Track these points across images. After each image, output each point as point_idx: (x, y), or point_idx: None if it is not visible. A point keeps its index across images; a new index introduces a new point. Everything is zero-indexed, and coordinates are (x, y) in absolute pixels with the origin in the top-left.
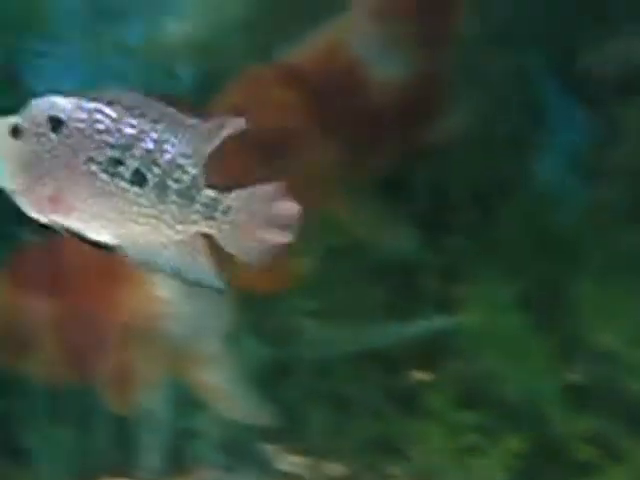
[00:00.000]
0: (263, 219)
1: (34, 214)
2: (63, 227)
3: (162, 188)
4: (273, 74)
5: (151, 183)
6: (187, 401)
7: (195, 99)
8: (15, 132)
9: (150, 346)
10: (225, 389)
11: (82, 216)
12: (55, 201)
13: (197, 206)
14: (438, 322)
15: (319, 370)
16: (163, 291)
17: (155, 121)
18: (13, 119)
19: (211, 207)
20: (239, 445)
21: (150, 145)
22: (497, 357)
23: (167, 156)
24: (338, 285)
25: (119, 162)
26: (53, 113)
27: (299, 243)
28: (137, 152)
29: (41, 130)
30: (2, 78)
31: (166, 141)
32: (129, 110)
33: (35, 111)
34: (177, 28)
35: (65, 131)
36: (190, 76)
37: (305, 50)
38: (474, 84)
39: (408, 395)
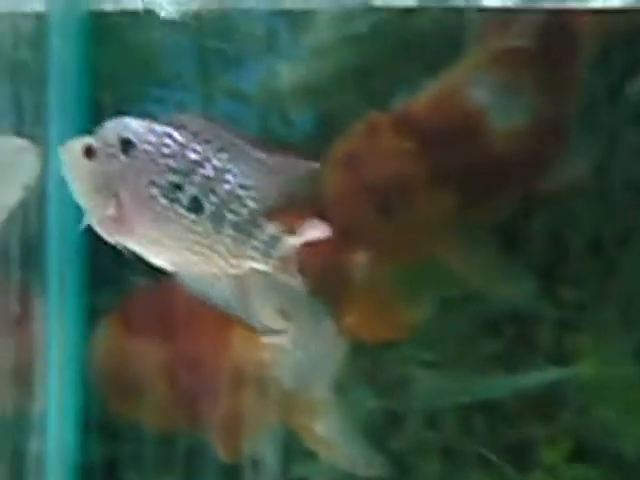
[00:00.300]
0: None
1: (101, 233)
2: (126, 249)
3: (218, 218)
4: (390, 122)
5: (207, 212)
6: (296, 450)
7: (310, 146)
8: (88, 152)
9: (260, 393)
10: (335, 439)
11: (141, 240)
12: (118, 222)
13: (254, 242)
14: (553, 374)
15: (430, 421)
16: (273, 339)
17: (220, 149)
18: (88, 140)
19: (270, 245)
20: None
21: (210, 172)
22: (613, 410)
23: (226, 186)
24: (451, 335)
25: (178, 187)
26: (125, 135)
27: (413, 292)
28: (196, 178)
29: (112, 151)
30: None
31: (227, 171)
32: (196, 136)
33: (108, 132)
34: (292, 73)
35: (134, 153)
36: (305, 123)
37: (422, 98)
38: (594, 131)
39: (520, 448)
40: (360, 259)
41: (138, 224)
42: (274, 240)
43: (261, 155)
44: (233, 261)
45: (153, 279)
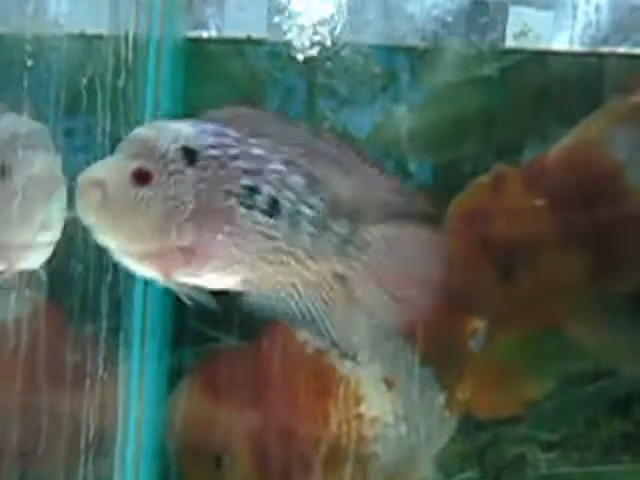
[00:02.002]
0: (406, 267)
1: (158, 277)
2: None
3: (295, 215)
4: (519, 177)
5: (285, 211)
6: None
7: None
8: (142, 178)
9: (358, 471)
10: None
11: (217, 264)
12: (190, 254)
13: (331, 236)
14: None
15: None
16: (375, 410)
17: (281, 141)
18: (130, 162)
19: (346, 239)
20: None
21: (279, 166)
22: None
23: (298, 178)
24: (575, 415)
25: (254, 190)
26: (184, 143)
27: (534, 365)
28: (268, 175)
29: (175, 167)
30: None
31: (294, 162)
32: (252, 130)
33: (160, 145)
34: (410, 117)
35: (201, 163)
36: (424, 173)
37: (555, 151)
38: None
39: None
40: (477, 327)
41: (215, 246)
42: (351, 233)
43: (321, 143)
44: (311, 263)
45: (238, 338)
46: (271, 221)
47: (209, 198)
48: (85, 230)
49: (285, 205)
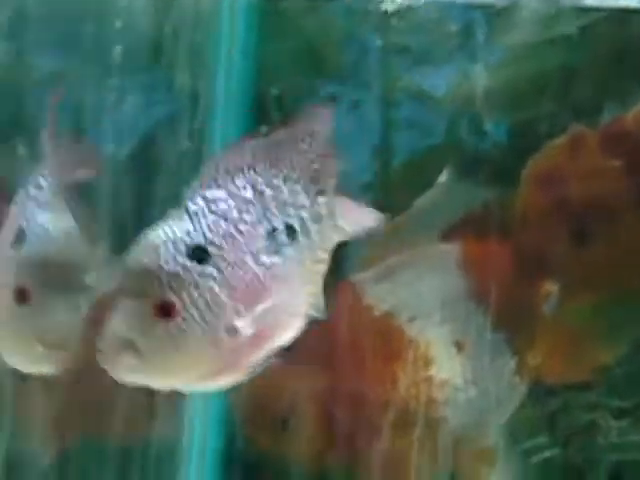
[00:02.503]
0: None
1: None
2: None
3: (307, 233)
4: (596, 138)
5: (300, 234)
6: None
7: (506, 159)
8: (166, 312)
9: (426, 435)
10: None
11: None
12: (258, 340)
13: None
14: None
15: (615, 477)
16: (445, 373)
17: (264, 170)
18: (149, 303)
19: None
20: None
21: (284, 194)
22: None
23: (303, 198)
24: None
25: (274, 232)
26: (188, 250)
27: (607, 330)
28: (275, 207)
29: (191, 276)
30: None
31: (291, 180)
32: (233, 172)
33: (165, 265)
34: (487, 77)
35: (214, 250)
36: (500, 133)
37: (635, 113)
38: None
39: None
40: (550, 291)
41: (273, 313)
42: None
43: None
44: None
45: None
46: (292, 252)
47: (242, 272)
48: None
49: (301, 229)
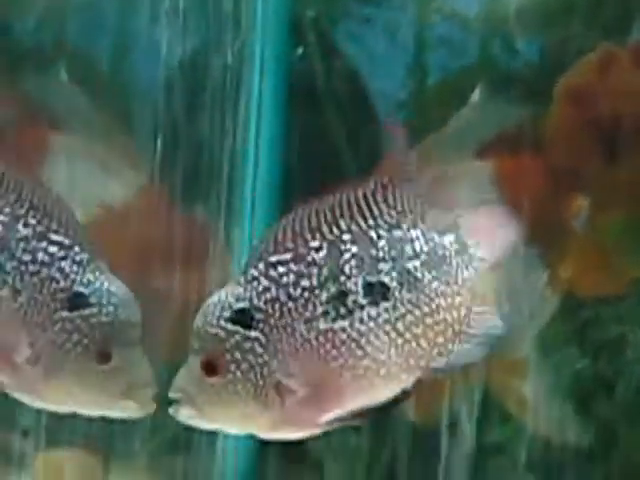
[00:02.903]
0: None
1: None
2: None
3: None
4: (627, 55)
5: (395, 290)
6: (494, 414)
7: (535, 79)
8: (211, 370)
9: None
10: (536, 402)
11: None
12: (318, 395)
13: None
14: None
15: None
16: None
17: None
18: (197, 360)
19: None
20: (549, 465)
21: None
22: None
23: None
24: None
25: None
26: (232, 313)
27: (636, 244)
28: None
29: (236, 340)
30: (321, 46)
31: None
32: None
33: (210, 327)
34: None
35: (259, 316)
36: (531, 52)
37: None
38: None
39: None
40: (581, 206)
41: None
42: None
43: None
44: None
45: None
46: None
47: (290, 337)
48: None
49: (397, 284)
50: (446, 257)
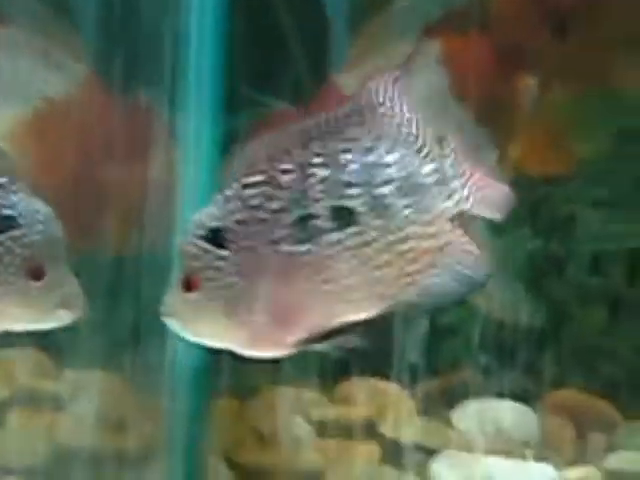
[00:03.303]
0: None
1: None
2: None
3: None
4: None
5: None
6: None
7: None
8: (189, 286)
9: None
10: (489, 282)
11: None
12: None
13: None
14: None
15: (594, 266)
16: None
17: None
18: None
19: None
20: (501, 345)
21: (324, 172)
22: None
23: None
24: (626, 172)
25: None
26: (205, 231)
27: (586, 123)
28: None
29: (210, 259)
30: None
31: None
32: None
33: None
34: None
35: (231, 236)
36: None
37: None
38: None
39: None
40: (529, 84)
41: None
42: None
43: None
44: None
45: (291, 102)
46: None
47: (257, 258)
48: None
49: (363, 205)
50: (424, 185)
